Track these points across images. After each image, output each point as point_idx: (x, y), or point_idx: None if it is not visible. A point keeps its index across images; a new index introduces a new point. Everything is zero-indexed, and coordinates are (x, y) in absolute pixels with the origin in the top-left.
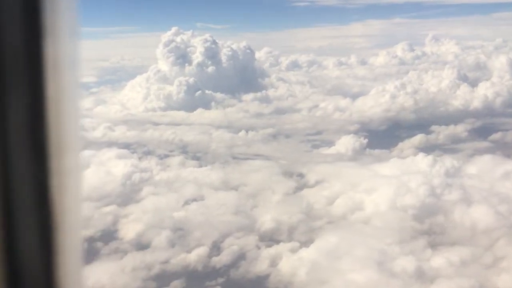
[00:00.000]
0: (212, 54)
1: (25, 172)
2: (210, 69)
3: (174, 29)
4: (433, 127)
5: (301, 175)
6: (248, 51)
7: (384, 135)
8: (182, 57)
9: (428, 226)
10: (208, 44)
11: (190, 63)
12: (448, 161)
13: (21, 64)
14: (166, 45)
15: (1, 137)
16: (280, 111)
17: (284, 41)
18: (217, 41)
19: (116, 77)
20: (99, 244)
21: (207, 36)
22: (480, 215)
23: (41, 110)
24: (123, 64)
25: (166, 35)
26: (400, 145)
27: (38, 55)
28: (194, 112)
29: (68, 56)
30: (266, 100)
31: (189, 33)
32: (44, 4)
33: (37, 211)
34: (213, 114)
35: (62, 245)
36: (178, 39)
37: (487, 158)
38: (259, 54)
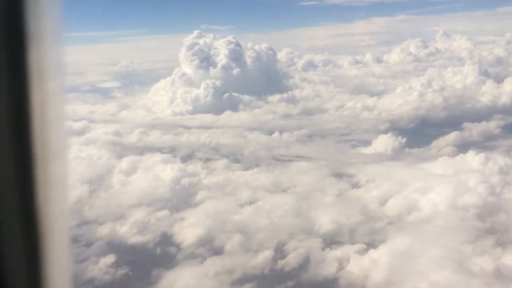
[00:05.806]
0: (236, 56)
1: (10, 180)
2: (235, 71)
3: (196, 32)
4: (465, 124)
5: (348, 176)
6: (270, 52)
7: (415, 133)
8: (206, 60)
9: (493, 225)
10: (232, 46)
11: (214, 65)
12: (500, 159)
13: (5, 70)
14: (190, 48)
15: None
16: (308, 112)
17: (289, 41)
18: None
19: (129, 81)
20: (172, 249)
21: (230, 38)
22: None
23: (26, 117)
24: (133, 68)
25: (189, 38)
26: (435, 143)
27: (22, 61)
28: (222, 115)
29: (52, 62)
30: (292, 100)
31: (211, 35)
32: (28, 10)
33: (22, 220)
34: (241, 116)
35: (48, 253)
36: (201, 42)
37: None
38: (280, 55)
